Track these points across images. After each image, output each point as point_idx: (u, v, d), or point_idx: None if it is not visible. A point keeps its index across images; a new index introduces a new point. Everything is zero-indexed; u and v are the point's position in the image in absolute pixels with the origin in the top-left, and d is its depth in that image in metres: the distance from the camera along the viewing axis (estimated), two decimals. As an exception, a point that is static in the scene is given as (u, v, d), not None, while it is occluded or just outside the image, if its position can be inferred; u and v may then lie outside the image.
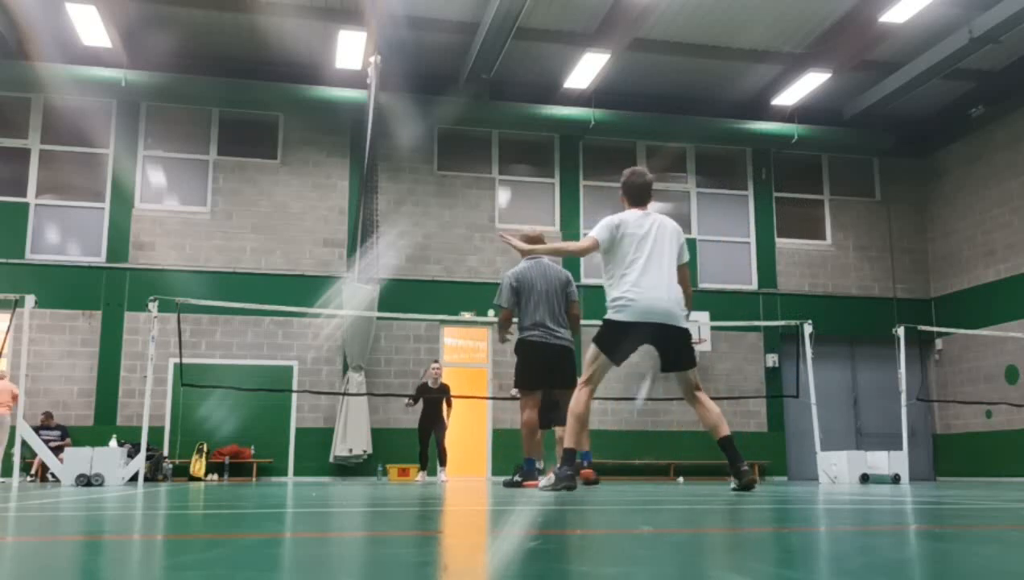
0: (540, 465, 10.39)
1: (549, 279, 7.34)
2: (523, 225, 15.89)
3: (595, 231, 5.88)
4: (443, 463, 12.75)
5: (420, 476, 12.94)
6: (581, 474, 7.34)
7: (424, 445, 12.81)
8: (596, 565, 1.68)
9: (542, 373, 7.30)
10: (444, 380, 13.03)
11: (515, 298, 7.33)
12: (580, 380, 6.10)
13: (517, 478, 7.81)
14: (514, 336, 7.56)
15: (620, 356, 5.92)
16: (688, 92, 15.98)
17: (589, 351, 6.00)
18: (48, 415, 13.28)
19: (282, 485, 9.80)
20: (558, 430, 9.69)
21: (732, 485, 5.87)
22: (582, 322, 8.10)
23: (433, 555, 1.95)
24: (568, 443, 5.94)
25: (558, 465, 6.01)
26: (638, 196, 5.96)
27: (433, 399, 12.72)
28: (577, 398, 6.01)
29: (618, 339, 5.83)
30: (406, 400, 12.95)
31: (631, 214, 5.94)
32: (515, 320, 7.57)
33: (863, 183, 17.54)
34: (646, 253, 5.79)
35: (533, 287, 7.29)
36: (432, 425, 12.76)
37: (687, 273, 6.10)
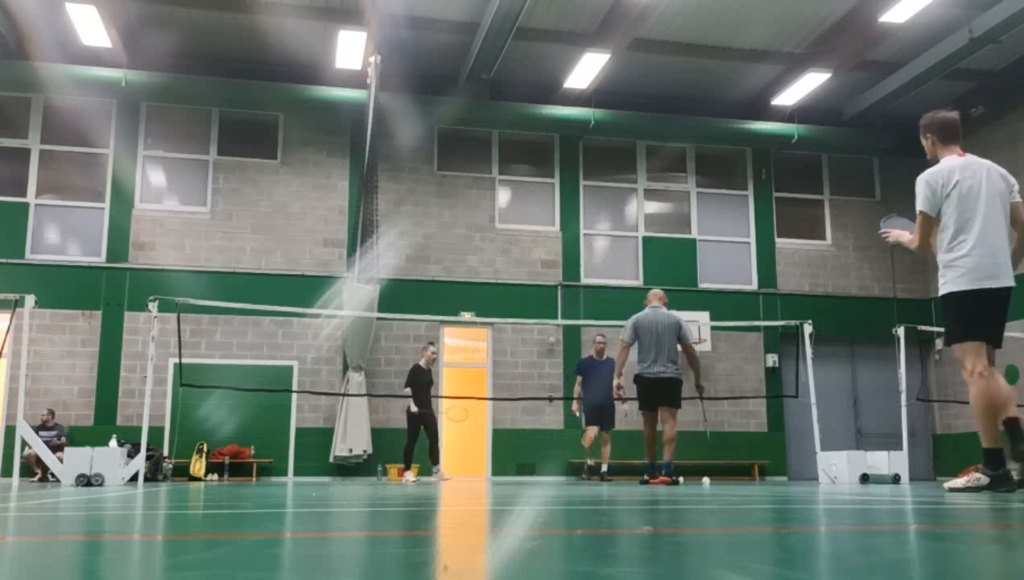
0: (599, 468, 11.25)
1: (661, 324, 9.44)
2: (523, 225, 15.91)
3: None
4: (436, 459, 12.40)
5: (408, 476, 12.20)
6: (657, 481, 9.41)
7: (414, 439, 12.26)
8: (596, 565, 1.68)
9: (650, 397, 9.46)
10: (445, 380, 12.78)
11: (635, 335, 9.50)
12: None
13: (645, 477, 9.79)
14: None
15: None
16: (688, 92, 15.98)
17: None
18: (51, 413, 13.32)
19: (282, 485, 9.80)
20: (604, 434, 11.81)
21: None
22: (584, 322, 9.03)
23: (433, 555, 1.95)
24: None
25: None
26: (951, 133, 5.68)
27: (426, 384, 12.41)
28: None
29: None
30: (409, 403, 12.35)
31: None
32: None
33: (863, 183, 17.53)
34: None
35: (647, 331, 9.44)
36: (426, 414, 12.32)
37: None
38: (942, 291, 5.45)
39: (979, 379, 5.31)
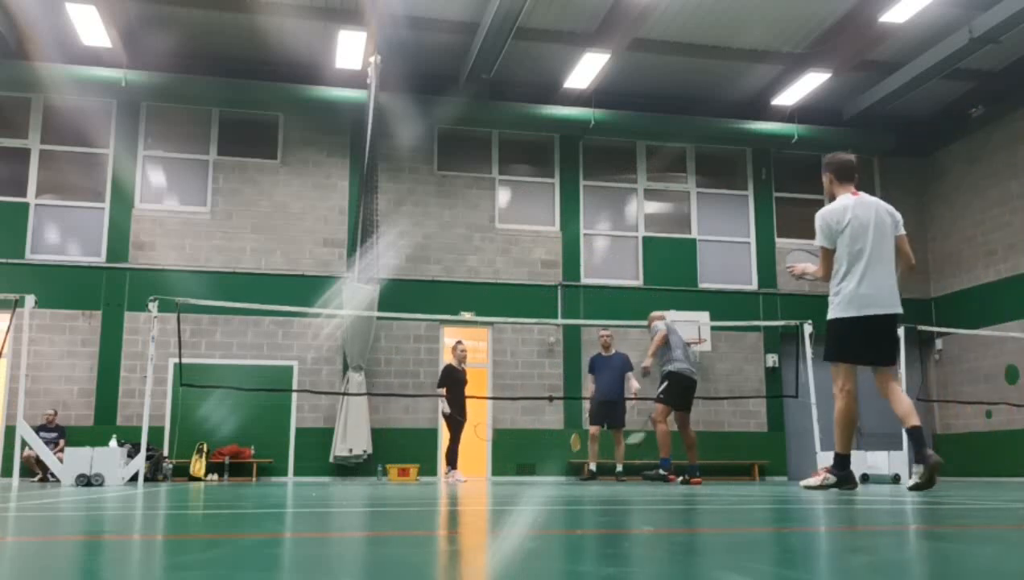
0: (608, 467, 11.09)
1: (682, 337, 10.62)
2: (523, 225, 15.91)
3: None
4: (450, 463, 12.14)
5: (454, 476, 11.88)
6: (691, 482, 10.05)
7: (457, 437, 11.94)
8: (596, 565, 1.68)
9: (684, 396, 10.24)
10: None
11: (668, 338, 10.33)
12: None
13: (661, 471, 10.11)
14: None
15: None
16: (688, 92, 15.98)
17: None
18: (55, 413, 13.34)
19: (282, 485, 9.80)
20: (615, 433, 11.79)
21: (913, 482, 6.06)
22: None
23: (433, 555, 1.95)
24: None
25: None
26: (847, 173, 6.32)
27: (461, 383, 12.07)
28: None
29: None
30: (441, 404, 12.08)
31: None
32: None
33: (863, 183, 17.33)
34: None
35: (677, 336, 10.50)
36: (462, 413, 11.98)
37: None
38: (829, 316, 6.13)
39: (845, 397, 6.10)
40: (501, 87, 15.38)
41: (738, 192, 16.92)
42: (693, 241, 16.49)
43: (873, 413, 16.31)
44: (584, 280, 15.85)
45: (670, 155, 16.70)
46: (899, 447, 11.73)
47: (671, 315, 15.30)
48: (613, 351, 12.01)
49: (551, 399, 14.30)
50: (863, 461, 11.64)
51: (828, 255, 6.10)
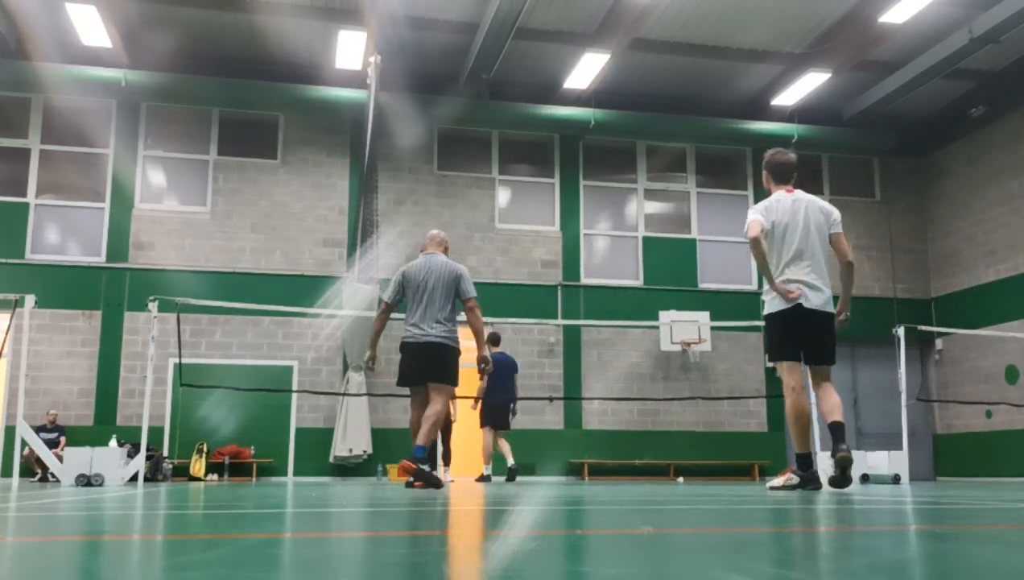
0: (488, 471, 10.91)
1: (434, 275, 7.39)
2: (523, 225, 15.91)
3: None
4: (446, 462, 12.49)
5: (446, 474, 12.15)
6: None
7: (445, 437, 12.16)
8: (596, 565, 1.68)
9: (411, 369, 7.45)
10: None
11: (400, 293, 7.53)
12: None
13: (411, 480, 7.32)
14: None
15: None
16: (688, 92, 15.98)
17: None
18: (55, 414, 13.36)
19: (282, 485, 9.80)
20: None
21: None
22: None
23: (433, 555, 1.95)
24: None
25: None
26: (783, 175, 6.34)
27: None
28: None
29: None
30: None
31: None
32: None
33: (863, 183, 17.54)
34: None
35: (414, 282, 7.42)
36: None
37: None
38: (763, 313, 6.21)
39: (791, 394, 6.08)
40: (501, 87, 15.39)
41: (738, 192, 16.93)
42: (693, 241, 16.50)
43: (873, 413, 16.41)
44: (584, 280, 15.85)
45: (670, 155, 16.71)
46: (899, 447, 11.73)
47: (671, 315, 15.37)
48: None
49: (551, 399, 14.31)
50: (863, 461, 11.63)
51: (757, 244, 6.00)
